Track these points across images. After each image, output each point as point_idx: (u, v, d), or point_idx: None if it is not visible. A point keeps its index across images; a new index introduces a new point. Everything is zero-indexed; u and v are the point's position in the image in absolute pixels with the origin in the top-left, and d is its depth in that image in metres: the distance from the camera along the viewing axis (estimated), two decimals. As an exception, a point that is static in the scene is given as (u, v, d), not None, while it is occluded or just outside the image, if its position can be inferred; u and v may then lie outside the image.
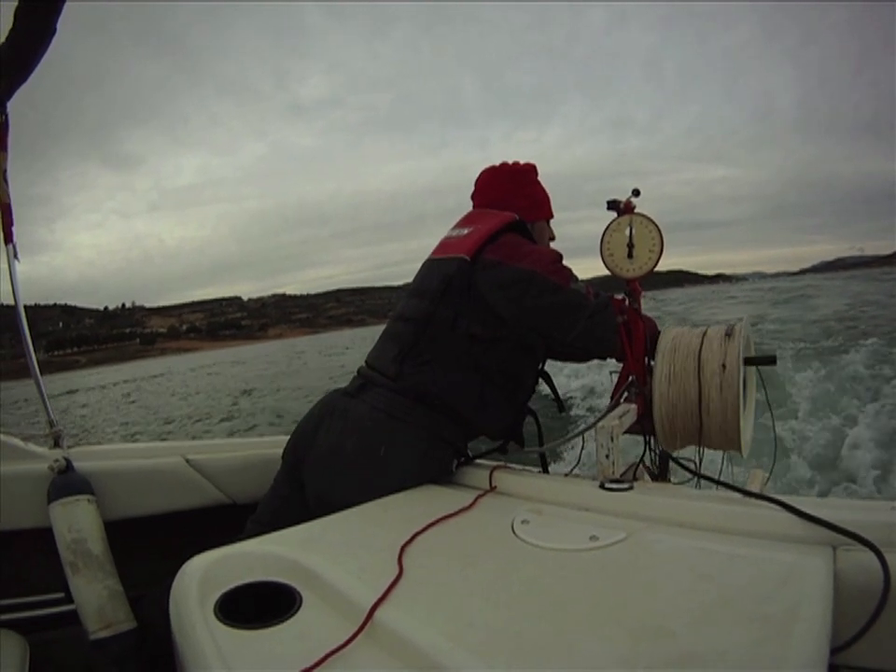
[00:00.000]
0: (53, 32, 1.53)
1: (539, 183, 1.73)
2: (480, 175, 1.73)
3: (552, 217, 1.74)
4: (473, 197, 1.73)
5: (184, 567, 0.89)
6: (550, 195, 1.74)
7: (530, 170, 1.71)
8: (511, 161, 1.72)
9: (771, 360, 1.44)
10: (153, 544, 1.60)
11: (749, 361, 1.42)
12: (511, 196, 1.65)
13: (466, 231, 1.56)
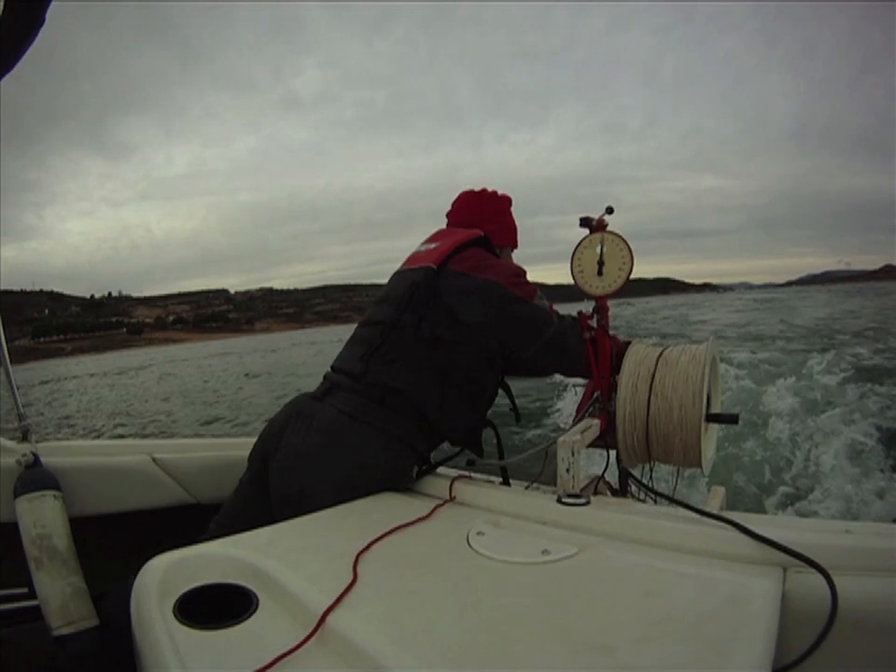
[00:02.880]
0: (42, 22, 1.52)
1: (511, 214, 1.82)
2: (459, 196, 1.82)
3: (516, 247, 1.83)
4: (449, 215, 1.81)
5: (146, 566, 0.91)
6: (518, 228, 1.84)
7: (506, 200, 1.81)
8: (490, 189, 1.80)
9: (733, 419, 1.45)
10: (117, 542, 1.61)
11: (711, 418, 1.44)
12: (485, 220, 1.73)
13: (434, 245, 1.62)
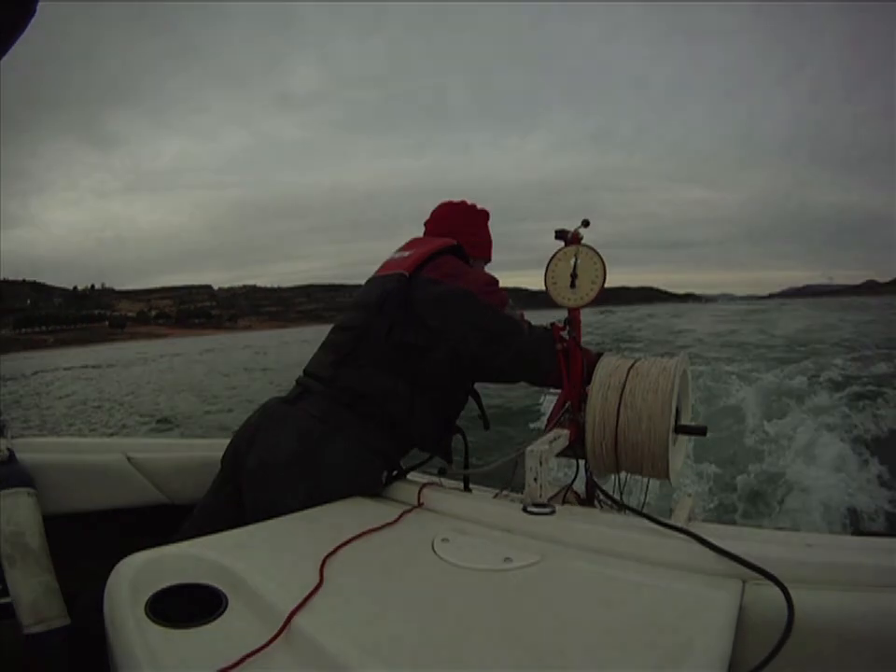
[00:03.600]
0: (33, 12, 1.52)
1: (488, 227, 1.88)
2: (438, 207, 1.86)
3: (490, 260, 1.88)
4: (426, 224, 1.83)
5: (118, 565, 0.93)
6: (493, 242, 1.89)
7: (483, 213, 1.86)
8: (469, 202, 1.85)
9: (701, 431, 1.49)
10: (91, 541, 1.61)
11: (679, 429, 1.47)
12: (461, 231, 1.77)
13: (407, 253, 1.65)
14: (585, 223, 1.53)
